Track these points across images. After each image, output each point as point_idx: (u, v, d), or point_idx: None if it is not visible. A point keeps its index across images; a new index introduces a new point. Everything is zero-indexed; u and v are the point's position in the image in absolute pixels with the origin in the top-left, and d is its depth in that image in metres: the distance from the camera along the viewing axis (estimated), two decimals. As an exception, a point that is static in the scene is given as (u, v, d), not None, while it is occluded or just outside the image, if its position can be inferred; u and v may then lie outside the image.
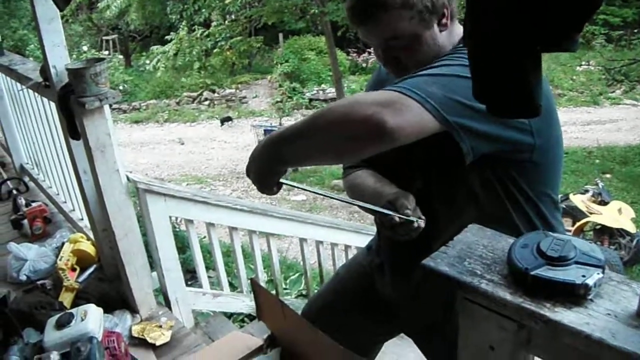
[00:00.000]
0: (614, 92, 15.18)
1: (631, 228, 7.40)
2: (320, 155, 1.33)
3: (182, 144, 14.15)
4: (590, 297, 0.86)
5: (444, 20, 1.42)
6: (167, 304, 3.15)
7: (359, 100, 1.23)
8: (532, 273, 0.88)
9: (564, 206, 7.86)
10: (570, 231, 7.73)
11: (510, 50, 0.78)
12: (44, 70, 2.78)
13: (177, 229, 4.97)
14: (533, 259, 0.91)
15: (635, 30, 17.58)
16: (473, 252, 0.99)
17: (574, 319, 0.82)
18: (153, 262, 3.12)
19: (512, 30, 0.76)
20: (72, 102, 2.57)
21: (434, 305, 1.51)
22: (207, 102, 16.71)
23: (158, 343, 2.83)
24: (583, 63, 16.27)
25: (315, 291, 3.08)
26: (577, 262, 0.89)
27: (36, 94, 3.50)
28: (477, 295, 0.91)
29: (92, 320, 2.56)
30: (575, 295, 0.86)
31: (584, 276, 0.86)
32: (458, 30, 1.46)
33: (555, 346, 0.88)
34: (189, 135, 14.69)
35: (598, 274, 0.87)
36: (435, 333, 1.62)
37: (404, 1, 1.35)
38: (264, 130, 11.70)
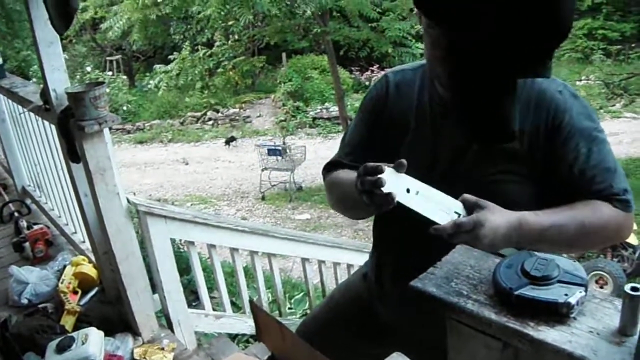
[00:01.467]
0: (614, 105, 15.19)
1: (634, 240, 7.39)
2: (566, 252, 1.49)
3: (186, 164, 14.19)
4: (573, 315, 0.87)
5: None
6: (169, 326, 3.15)
7: (624, 228, 1.44)
8: (516, 293, 0.90)
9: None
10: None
11: (487, 77, 0.79)
12: (44, 94, 2.81)
13: (181, 250, 4.98)
14: (517, 278, 0.92)
15: (633, 45, 17.64)
16: (460, 272, 1.00)
17: (557, 337, 0.84)
18: (155, 284, 3.12)
19: (489, 59, 0.78)
20: (71, 125, 2.60)
21: (437, 326, 1.51)
22: (211, 122, 16.77)
23: (160, 365, 2.83)
24: (583, 78, 16.30)
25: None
26: (560, 281, 0.91)
27: (37, 116, 3.54)
28: (463, 316, 0.92)
29: (93, 343, 2.57)
30: (558, 313, 0.87)
31: (566, 295, 0.88)
32: None
33: (540, 361, 0.89)
34: (193, 155, 14.73)
35: (580, 292, 0.88)
36: (434, 352, 1.62)
37: None
38: (268, 150, 11.73)
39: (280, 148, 11.78)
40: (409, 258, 1.34)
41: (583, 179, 1.37)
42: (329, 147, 13.85)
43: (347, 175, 1.58)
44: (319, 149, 13.74)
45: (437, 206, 1.20)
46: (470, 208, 1.21)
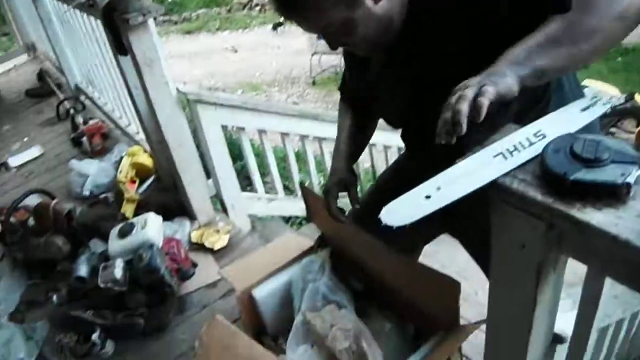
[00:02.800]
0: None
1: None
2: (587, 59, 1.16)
3: (235, 51, 14.05)
4: (630, 195, 0.84)
5: None
6: (224, 209, 3.25)
7: None
8: (572, 178, 0.85)
9: (629, 106, 7.49)
10: (634, 133, 7.44)
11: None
12: (88, -12, 2.80)
13: (233, 137, 5.03)
14: (568, 163, 0.88)
15: None
16: (507, 150, 0.97)
17: (602, 220, 0.81)
18: (209, 171, 3.20)
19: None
20: (116, 18, 2.58)
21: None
22: (258, 8, 16.42)
23: (216, 247, 2.96)
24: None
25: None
26: (613, 162, 0.87)
27: (82, 13, 3.54)
28: (508, 195, 0.90)
29: (152, 228, 2.68)
30: (616, 195, 0.83)
31: (623, 175, 0.84)
32: None
33: (585, 247, 0.88)
34: (242, 42, 14.54)
35: (637, 170, 0.85)
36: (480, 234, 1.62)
37: None
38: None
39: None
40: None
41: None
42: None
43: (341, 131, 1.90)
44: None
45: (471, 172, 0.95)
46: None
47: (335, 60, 11.58)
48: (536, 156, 0.92)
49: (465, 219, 1.65)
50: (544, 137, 0.96)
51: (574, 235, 0.87)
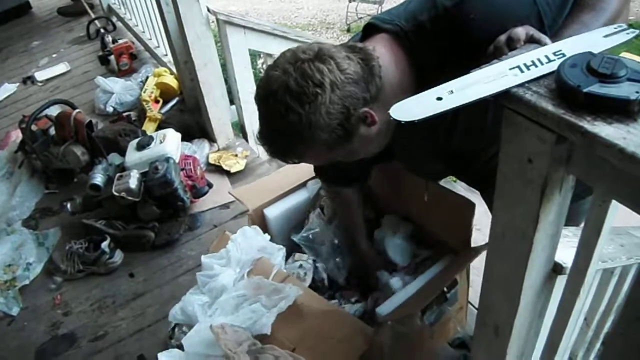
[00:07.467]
0: None
1: None
2: None
3: (274, -9, 13.93)
4: (642, 112, 0.83)
5: (369, 120, 1.32)
6: (244, 135, 3.27)
7: None
8: (585, 90, 0.86)
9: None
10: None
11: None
12: None
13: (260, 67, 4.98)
14: (584, 76, 0.88)
15: None
16: (521, 65, 0.96)
17: (611, 132, 0.81)
18: (232, 96, 3.20)
19: None
20: None
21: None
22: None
23: (232, 170, 3.00)
24: None
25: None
26: (629, 79, 0.87)
27: None
28: (520, 105, 0.90)
29: (170, 142, 2.71)
30: (628, 111, 0.83)
31: (637, 92, 0.84)
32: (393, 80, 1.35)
33: (592, 165, 0.88)
34: (281, -18, 14.42)
35: (652, 90, 0.84)
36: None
37: (310, 145, 1.33)
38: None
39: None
40: None
41: None
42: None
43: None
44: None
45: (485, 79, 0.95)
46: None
47: (372, 9, 11.45)
48: (552, 72, 0.92)
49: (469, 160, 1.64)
50: (563, 56, 0.95)
51: (583, 150, 0.86)
